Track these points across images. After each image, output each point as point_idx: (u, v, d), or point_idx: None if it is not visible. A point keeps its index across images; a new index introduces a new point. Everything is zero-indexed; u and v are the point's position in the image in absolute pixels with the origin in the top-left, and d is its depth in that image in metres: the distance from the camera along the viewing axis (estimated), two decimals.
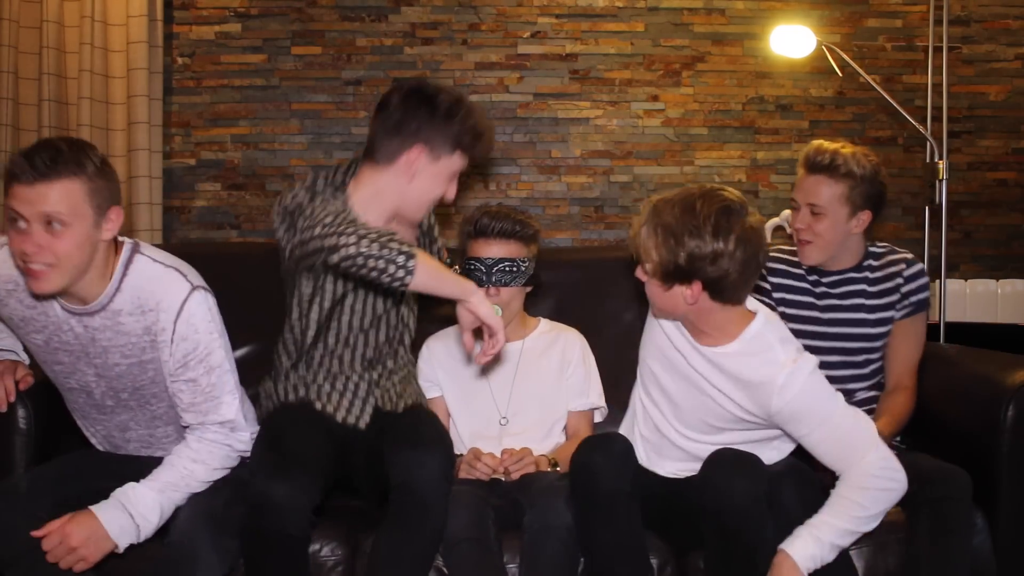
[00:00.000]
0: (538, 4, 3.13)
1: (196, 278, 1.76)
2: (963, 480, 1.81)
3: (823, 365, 1.77)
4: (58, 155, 1.56)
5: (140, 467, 1.78)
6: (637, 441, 1.93)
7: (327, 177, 1.93)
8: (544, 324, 2.29)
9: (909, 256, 2.13)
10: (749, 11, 3.15)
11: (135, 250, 1.73)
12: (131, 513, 1.63)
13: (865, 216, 2.04)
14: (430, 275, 1.65)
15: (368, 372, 2.01)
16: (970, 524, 1.84)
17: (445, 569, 1.85)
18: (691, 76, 3.16)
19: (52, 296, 1.69)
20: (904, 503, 1.77)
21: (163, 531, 1.71)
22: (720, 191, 1.69)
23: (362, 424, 1.96)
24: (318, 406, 1.94)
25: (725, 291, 1.68)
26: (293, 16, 3.10)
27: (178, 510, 1.72)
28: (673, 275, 1.68)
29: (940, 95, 2.88)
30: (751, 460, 1.72)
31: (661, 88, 3.16)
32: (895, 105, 2.81)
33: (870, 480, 1.69)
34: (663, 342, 1.88)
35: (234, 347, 1.96)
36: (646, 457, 1.92)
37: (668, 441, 1.88)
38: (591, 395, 2.21)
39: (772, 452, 1.85)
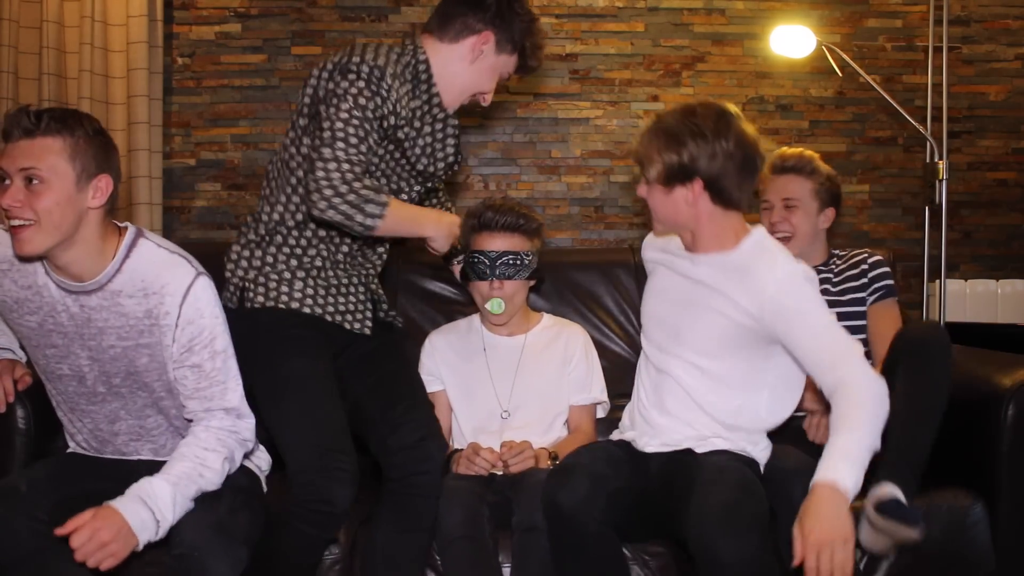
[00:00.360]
0: (538, 4, 3.13)
1: (199, 265, 1.75)
2: (940, 335, 1.89)
3: None
4: (45, 115, 1.59)
5: (131, 469, 1.75)
6: (640, 392, 1.90)
7: (397, 68, 1.84)
8: (547, 319, 2.30)
9: (869, 250, 2.29)
10: (749, 11, 3.15)
11: (139, 235, 1.73)
12: (151, 508, 1.59)
13: (830, 213, 2.24)
14: (389, 229, 1.79)
15: (358, 270, 1.97)
16: (946, 364, 1.85)
17: (440, 567, 1.85)
18: (691, 76, 3.16)
19: (37, 259, 1.67)
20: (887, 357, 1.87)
21: (167, 541, 1.65)
22: (717, 101, 1.79)
23: (367, 330, 1.95)
24: (328, 318, 1.89)
25: (724, 191, 1.73)
26: (293, 16, 3.10)
27: (181, 519, 1.66)
28: (676, 175, 1.73)
29: (940, 95, 2.88)
30: (742, 513, 1.57)
31: (661, 88, 3.16)
32: (895, 105, 2.81)
33: (867, 391, 1.61)
34: (663, 277, 1.89)
35: None
36: (643, 419, 1.87)
37: (669, 377, 1.83)
38: (593, 390, 2.21)
39: (767, 400, 1.80)
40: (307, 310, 1.87)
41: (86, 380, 1.76)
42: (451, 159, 2.00)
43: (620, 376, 2.36)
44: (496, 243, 2.12)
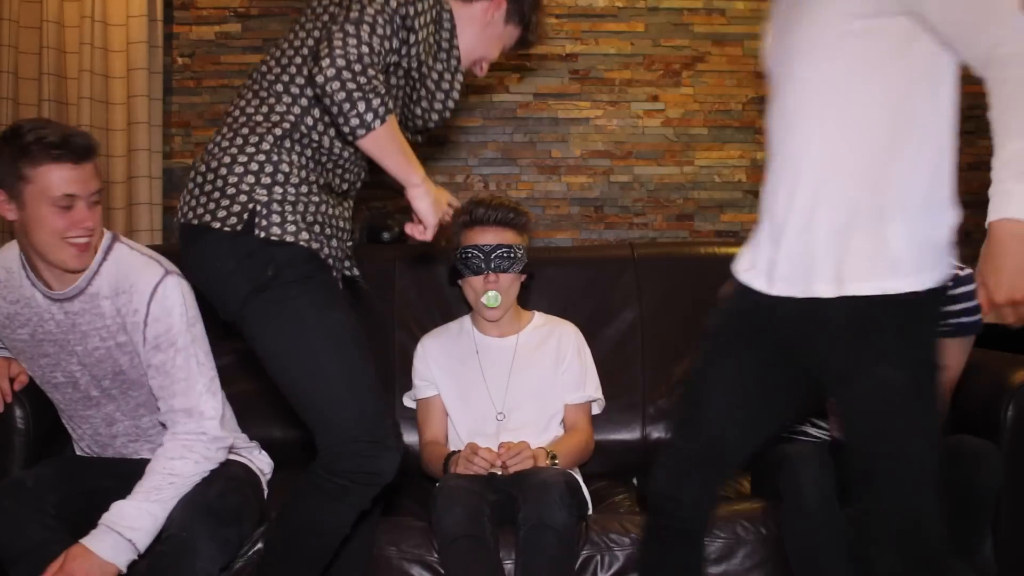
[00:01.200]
0: None
1: (171, 266, 1.78)
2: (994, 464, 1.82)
3: None
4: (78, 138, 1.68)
5: (133, 467, 1.79)
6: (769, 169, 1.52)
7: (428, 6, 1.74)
8: (539, 318, 2.29)
9: (963, 274, 1.95)
10: (749, 11, 3.15)
11: (115, 239, 1.79)
12: (117, 531, 1.63)
13: None
14: (380, 146, 1.58)
15: (340, 213, 1.78)
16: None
17: (441, 567, 1.85)
18: (691, 76, 3.16)
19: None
20: None
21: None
22: None
23: (349, 273, 1.76)
24: (330, 261, 1.66)
25: None
26: (293, 16, 3.10)
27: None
28: None
29: None
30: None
31: (661, 88, 3.15)
32: None
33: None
34: (772, 24, 1.59)
35: (227, 350, 1.95)
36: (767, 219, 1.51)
37: (797, 115, 1.45)
38: (588, 388, 2.21)
39: (923, 153, 1.35)
40: (323, 255, 1.64)
41: (79, 385, 1.81)
42: (446, 113, 1.85)
43: (618, 375, 2.36)
44: (488, 237, 2.12)
